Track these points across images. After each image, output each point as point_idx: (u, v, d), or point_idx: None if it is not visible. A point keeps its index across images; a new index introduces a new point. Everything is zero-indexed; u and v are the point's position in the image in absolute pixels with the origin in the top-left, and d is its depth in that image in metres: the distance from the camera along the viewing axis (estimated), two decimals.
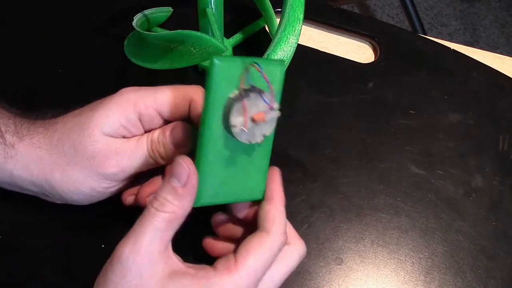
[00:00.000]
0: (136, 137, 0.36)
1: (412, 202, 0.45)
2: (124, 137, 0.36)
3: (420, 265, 0.42)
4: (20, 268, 0.39)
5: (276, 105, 0.32)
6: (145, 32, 0.45)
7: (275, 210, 0.34)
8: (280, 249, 0.33)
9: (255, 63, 0.31)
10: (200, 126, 0.31)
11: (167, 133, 0.36)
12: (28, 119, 0.38)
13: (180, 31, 0.42)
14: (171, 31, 0.43)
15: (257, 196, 0.35)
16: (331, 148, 0.48)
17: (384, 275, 0.41)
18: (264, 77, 0.31)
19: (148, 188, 0.38)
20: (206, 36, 0.43)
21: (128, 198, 0.39)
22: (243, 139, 0.31)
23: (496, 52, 0.58)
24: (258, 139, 0.32)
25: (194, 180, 0.31)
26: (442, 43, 0.57)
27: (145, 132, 0.37)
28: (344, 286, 0.41)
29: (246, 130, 0.31)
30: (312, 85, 0.53)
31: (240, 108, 0.31)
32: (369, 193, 0.46)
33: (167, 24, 0.56)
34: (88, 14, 0.57)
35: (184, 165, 0.31)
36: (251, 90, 0.31)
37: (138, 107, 0.36)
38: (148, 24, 0.53)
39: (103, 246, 0.40)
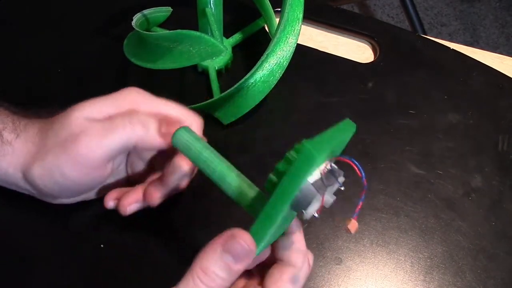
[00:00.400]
0: (109, 119, 0.35)
1: (411, 202, 0.45)
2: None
3: (420, 265, 0.42)
4: (20, 268, 0.39)
5: (342, 180, 0.29)
6: (144, 32, 0.45)
7: (295, 241, 0.33)
8: (305, 278, 0.33)
9: (349, 159, 0.28)
10: (268, 206, 0.28)
11: (155, 118, 0.35)
12: (28, 117, 0.38)
13: (180, 31, 0.42)
14: (171, 31, 0.43)
15: (280, 234, 0.33)
16: None
17: (383, 275, 0.41)
18: (362, 178, 0.28)
19: (131, 196, 0.37)
20: (206, 36, 0.43)
21: (110, 202, 0.38)
22: (308, 217, 0.29)
23: (496, 52, 0.58)
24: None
25: (252, 258, 0.29)
26: (442, 43, 0.57)
27: None
28: (343, 286, 0.41)
29: (317, 215, 0.29)
30: (311, 85, 0.53)
31: (319, 197, 0.28)
32: (369, 193, 0.46)
33: (166, 24, 0.56)
34: (88, 14, 0.57)
35: (246, 245, 0.28)
36: (331, 176, 0.28)
37: (139, 107, 0.36)
38: (148, 24, 0.53)
39: (102, 246, 0.40)
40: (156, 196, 0.37)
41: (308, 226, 0.43)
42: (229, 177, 0.32)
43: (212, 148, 0.33)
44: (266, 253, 0.34)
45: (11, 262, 0.40)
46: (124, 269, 0.40)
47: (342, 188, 0.29)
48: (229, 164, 0.33)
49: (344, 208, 0.45)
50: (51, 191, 0.36)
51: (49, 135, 0.35)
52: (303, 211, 0.28)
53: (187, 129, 0.34)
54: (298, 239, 0.33)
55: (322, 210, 0.29)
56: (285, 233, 0.33)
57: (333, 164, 0.28)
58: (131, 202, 0.38)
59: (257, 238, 0.29)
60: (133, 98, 0.36)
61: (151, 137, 0.35)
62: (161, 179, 0.37)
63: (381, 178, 0.47)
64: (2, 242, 0.40)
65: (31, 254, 0.40)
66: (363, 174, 0.28)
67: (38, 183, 0.35)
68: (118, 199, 0.38)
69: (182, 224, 0.42)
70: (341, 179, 0.29)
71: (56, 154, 0.34)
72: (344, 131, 0.30)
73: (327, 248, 0.42)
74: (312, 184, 0.27)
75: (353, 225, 0.29)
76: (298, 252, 0.32)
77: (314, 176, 0.28)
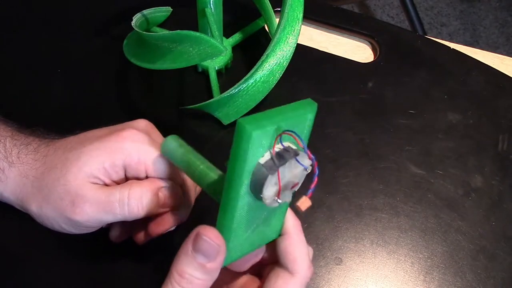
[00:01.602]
0: (109, 189, 0.35)
1: (411, 202, 0.45)
2: (101, 181, 0.35)
3: (420, 265, 0.42)
4: (20, 268, 0.39)
5: (309, 163, 0.28)
6: (144, 32, 0.45)
7: (294, 246, 0.31)
8: (305, 283, 0.32)
9: (291, 131, 0.26)
10: (224, 195, 0.28)
11: (154, 192, 0.35)
12: (21, 141, 0.37)
13: (179, 32, 0.42)
14: (170, 32, 0.43)
15: (274, 236, 0.32)
16: (331, 148, 0.48)
17: (383, 275, 0.41)
18: (300, 144, 0.27)
19: (157, 227, 0.37)
20: (205, 36, 0.42)
21: (139, 236, 0.39)
22: (274, 204, 0.28)
23: (496, 52, 0.58)
24: (288, 199, 0.29)
25: (223, 254, 0.28)
26: (442, 43, 0.57)
27: (126, 179, 0.36)
28: (343, 286, 0.41)
29: (280, 200, 0.28)
30: (311, 85, 0.53)
31: (274, 179, 0.27)
32: (369, 193, 0.46)
33: (166, 24, 0.56)
34: (88, 14, 0.57)
35: (213, 242, 0.28)
36: (284, 154, 0.27)
37: (129, 160, 0.35)
38: (147, 24, 0.53)
39: (102, 246, 0.40)
40: (142, 239, 0.38)
41: (308, 226, 0.43)
42: (209, 175, 0.32)
43: (195, 152, 0.34)
44: (260, 254, 0.33)
45: (10, 262, 0.40)
46: (124, 269, 0.40)
47: (308, 171, 0.28)
48: (210, 164, 0.33)
49: (344, 208, 0.45)
50: (50, 227, 0.36)
51: (44, 180, 0.35)
52: (261, 196, 0.27)
53: (174, 137, 0.35)
54: (294, 241, 0.31)
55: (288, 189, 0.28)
56: (281, 235, 0.32)
57: (291, 146, 0.27)
58: (118, 231, 0.39)
59: (224, 232, 0.28)
60: (127, 152, 0.35)
61: (146, 213, 0.35)
62: (148, 229, 0.37)
63: (381, 178, 0.47)
64: (2, 242, 0.40)
65: (31, 254, 0.40)
66: (304, 145, 0.27)
67: (37, 219, 0.36)
68: (144, 233, 0.39)
69: (182, 224, 0.42)
70: (307, 161, 0.27)
71: (53, 209, 0.34)
72: (299, 109, 0.28)
73: (327, 248, 0.42)
74: (262, 164, 0.26)
75: (304, 202, 0.27)
76: (295, 258, 0.31)
77: (265, 157, 0.27)
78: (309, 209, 0.44)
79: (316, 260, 0.41)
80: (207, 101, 0.47)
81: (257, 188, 0.27)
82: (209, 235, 0.28)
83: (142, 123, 0.38)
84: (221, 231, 0.28)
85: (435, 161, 0.48)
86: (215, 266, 0.28)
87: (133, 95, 0.51)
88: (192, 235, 0.28)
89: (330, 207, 0.44)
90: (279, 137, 0.26)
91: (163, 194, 0.35)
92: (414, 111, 0.51)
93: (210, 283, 0.29)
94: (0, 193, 0.36)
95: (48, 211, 0.35)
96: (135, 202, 0.34)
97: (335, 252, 0.42)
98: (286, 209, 0.32)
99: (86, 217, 0.34)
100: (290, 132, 0.26)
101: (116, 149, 0.35)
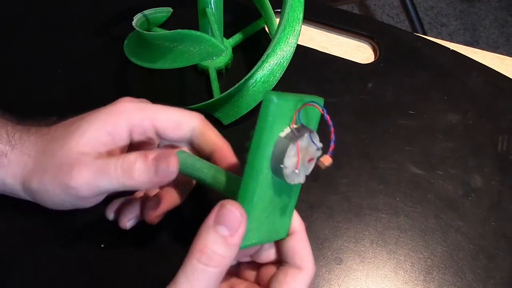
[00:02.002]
0: (109, 157, 0.34)
1: (411, 202, 0.45)
2: (105, 146, 0.34)
3: (420, 265, 0.42)
4: (20, 267, 0.39)
5: (320, 145, 0.30)
6: (145, 32, 0.45)
7: (302, 244, 0.33)
8: (311, 280, 0.33)
9: (313, 102, 0.30)
10: (247, 166, 0.29)
11: (150, 158, 0.33)
12: (22, 127, 0.37)
13: (180, 31, 0.42)
14: (171, 31, 0.43)
15: (283, 235, 0.33)
16: None
17: (383, 275, 0.41)
18: (327, 118, 0.29)
19: (130, 211, 0.37)
20: (206, 36, 0.43)
21: (110, 214, 0.39)
22: (291, 179, 0.30)
23: (496, 52, 0.58)
24: (302, 179, 0.30)
25: (244, 226, 0.29)
26: (441, 43, 0.57)
27: (133, 149, 0.36)
28: (343, 286, 0.41)
29: (298, 172, 0.30)
30: (312, 85, 0.53)
31: (294, 149, 0.29)
32: (369, 193, 0.46)
33: (166, 24, 0.56)
34: (88, 14, 0.57)
35: (236, 211, 0.28)
36: (302, 129, 0.30)
37: (132, 118, 0.35)
38: (148, 24, 0.53)
39: (102, 246, 0.41)
40: (154, 216, 0.37)
41: (309, 226, 0.43)
42: (220, 177, 0.33)
43: (202, 160, 0.35)
44: (269, 250, 0.34)
45: (10, 261, 0.40)
46: (124, 269, 0.40)
47: (320, 151, 0.30)
48: (218, 168, 0.34)
49: (344, 208, 0.45)
50: (52, 204, 0.35)
51: (47, 152, 0.35)
52: (282, 167, 0.29)
53: (180, 152, 0.36)
54: (301, 239, 0.33)
55: (305, 164, 0.30)
56: (289, 234, 0.33)
57: (303, 123, 0.30)
58: (130, 217, 0.38)
59: (245, 205, 0.29)
60: (127, 112, 0.35)
61: (141, 178, 0.34)
62: (157, 198, 0.37)
63: (381, 178, 0.47)
64: (2, 242, 0.41)
65: (31, 254, 0.40)
66: (325, 112, 0.29)
67: (37, 197, 0.35)
68: (118, 212, 0.38)
69: (183, 223, 0.42)
70: (317, 141, 0.30)
71: (52, 177, 0.34)
72: (309, 98, 0.31)
73: (328, 248, 0.42)
74: (283, 137, 0.29)
75: (325, 159, 0.29)
76: (302, 255, 0.32)
77: (285, 131, 0.29)
78: (309, 208, 0.44)
79: (316, 259, 0.41)
80: (207, 101, 0.47)
81: (278, 160, 0.29)
82: (232, 205, 0.29)
83: (132, 98, 0.38)
84: (243, 204, 0.29)
85: (435, 161, 0.48)
86: (236, 241, 0.28)
87: (133, 95, 0.51)
88: (215, 208, 0.29)
89: (330, 207, 0.45)
90: (298, 112, 0.29)
91: (156, 159, 0.33)
92: (414, 112, 0.52)
93: (229, 262, 0.29)
94: (2, 180, 0.35)
95: (47, 182, 0.34)
96: (128, 164, 0.33)
97: (335, 252, 0.42)
98: (295, 203, 0.33)
99: (81, 181, 0.32)
100: (312, 103, 0.29)
101: (118, 112, 0.35)
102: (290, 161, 0.29)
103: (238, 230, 0.28)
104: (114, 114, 0.35)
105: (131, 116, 0.35)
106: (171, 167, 0.32)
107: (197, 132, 0.37)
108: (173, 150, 0.36)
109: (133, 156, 0.33)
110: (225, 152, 0.37)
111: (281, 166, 0.29)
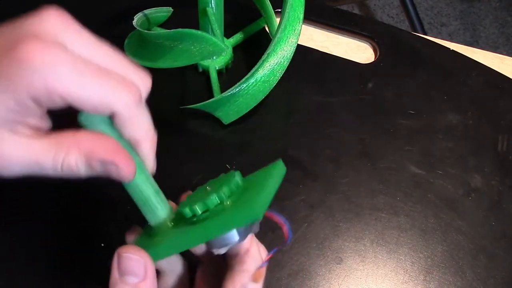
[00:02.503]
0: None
1: (411, 201, 0.45)
2: (22, 126, 0.26)
3: (420, 265, 0.42)
4: (20, 267, 0.39)
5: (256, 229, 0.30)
6: (146, 31, 0.45)
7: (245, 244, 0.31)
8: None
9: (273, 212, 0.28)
10: (181, 235, 0.28)
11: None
12: None
13: (181, 30, 0.42)
14: (172, 30, 0.43)
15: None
16: (331, 148, 0.48)
17: (383, 275, 0.41)
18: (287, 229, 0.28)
19: None
20: (207, 35, 0.43)
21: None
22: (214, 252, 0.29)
23: (496, 52, 0.58)
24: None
25: (152, 267, 0.27)
26: (441, 43, 0.57)
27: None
28: (344, 286, 0.41)
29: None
30: (312, 85, 0.53)
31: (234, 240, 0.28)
32: (369, 192, 0.46)
33: (167, 24, 0.56)
34: (88, 14, 0.57)
35: (134, 256, 0.27)
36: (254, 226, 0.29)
37: (34, 90, 0.25)
38: (148, 23, 0.53)
39: (102, 245, 0.41)
40: None
41: (308, 226, 0.43)
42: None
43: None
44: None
45: (10, 261, 0.40)
46: None
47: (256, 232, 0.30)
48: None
49: (344, 208, 0.45)
50: None
51: None
52: (214, 250, 0.28)
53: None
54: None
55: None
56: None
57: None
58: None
59: (152, 253, 0.28)
60: (56, 33, 0.27)
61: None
62: None
63: (381, 178, 0.47)
64: (2, 243, 0.41)
65: (30, 253, 0.40)
66: (288, 226, 0.28)
67: None
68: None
69: None
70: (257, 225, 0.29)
71: None
72: (278, 177, 0.29)
73: (328, 247, 0.42)
74: (237, 230, 0.27)
75: (258, 274, 0.29)
76: (251, 257, 0.30)
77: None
78: (309, 208, 0.44)
79: (316, 259, 0.42)
80: (208, 101, 0.47)
81: (215, 244, 0.28)
82: (129, 251, 0.27)
83: (49, 21, 0.28)
84: (150, 250, 0.28)
85: (435, 161, 0.48)
86: (149, 283, 0.27)
87: None
88: (114, 259, 0.27)
89: (330, 207, 0.45)
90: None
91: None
92: (414, 112, 0.52)
93: None
94: None
95: None
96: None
97: (335, 252, 0.42)
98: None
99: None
100: (275, 215, 0.28)
101: (12, 81, 0.25)
102: (225, 249, 0.28)
103: (147, 271, 0.27)
104: (10, 86, 0.25)
105: (32, 86, 0.25)
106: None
107: (117, 120, 0.28)
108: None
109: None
110: (143, 150, 0.30)
111: (213, 250, 0.28)
